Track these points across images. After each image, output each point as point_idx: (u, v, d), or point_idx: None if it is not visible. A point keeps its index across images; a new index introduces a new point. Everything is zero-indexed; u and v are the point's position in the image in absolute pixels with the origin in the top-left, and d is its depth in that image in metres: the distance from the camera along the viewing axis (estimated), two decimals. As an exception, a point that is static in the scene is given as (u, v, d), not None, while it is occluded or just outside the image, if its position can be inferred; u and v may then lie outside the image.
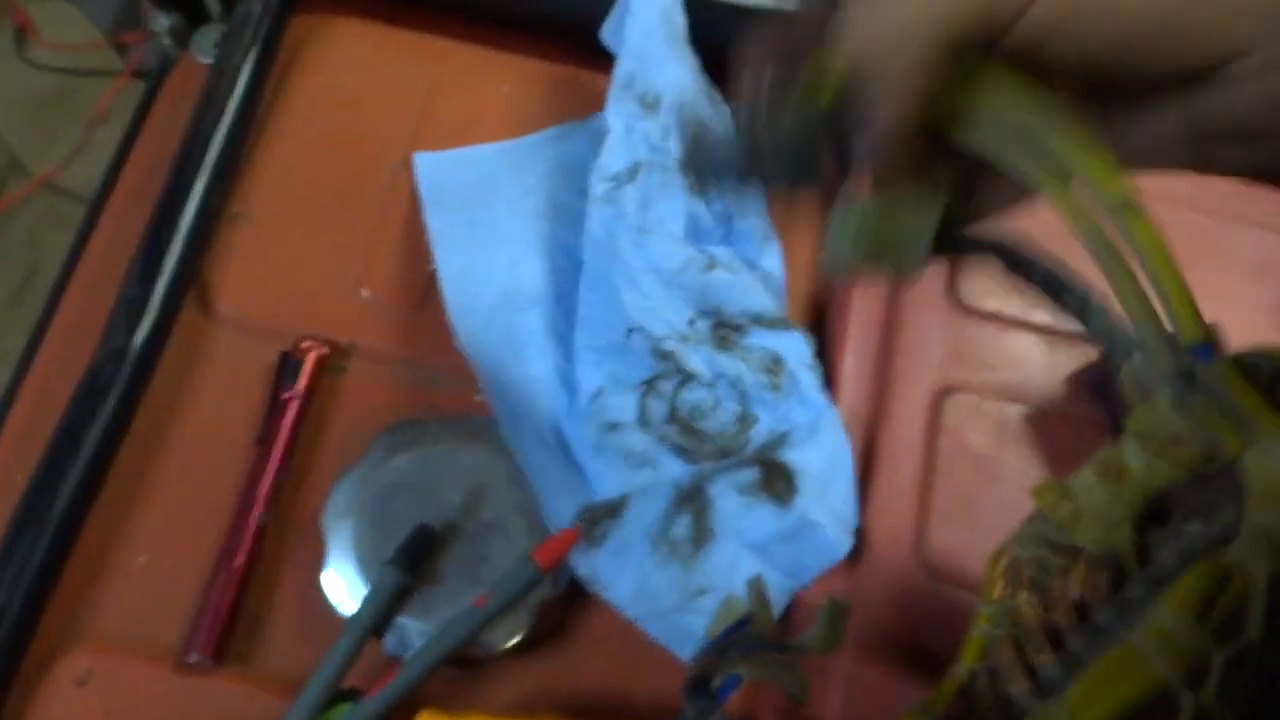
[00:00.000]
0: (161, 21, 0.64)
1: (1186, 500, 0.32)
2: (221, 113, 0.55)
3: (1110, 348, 0.36)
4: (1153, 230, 0.27)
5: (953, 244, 0.34)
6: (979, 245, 0.35)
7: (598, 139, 0.53)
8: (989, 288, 0.55)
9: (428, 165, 0.56)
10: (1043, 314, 0.55)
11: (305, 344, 0.52)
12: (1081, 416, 0.53)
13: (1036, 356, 0.54)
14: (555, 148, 0.57)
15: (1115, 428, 0.51)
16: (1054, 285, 0.35)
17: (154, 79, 0.64)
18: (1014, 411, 0.53)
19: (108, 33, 1.19)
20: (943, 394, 0.53)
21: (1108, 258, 0.28)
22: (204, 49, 0.63)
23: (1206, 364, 0.28)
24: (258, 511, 0.49)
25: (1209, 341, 0.27)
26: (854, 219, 0.33)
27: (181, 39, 0.65)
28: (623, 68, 0.53)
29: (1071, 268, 0.35)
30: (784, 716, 0.47)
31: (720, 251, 0.53)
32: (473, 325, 0.52)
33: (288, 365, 0.52)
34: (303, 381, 0.51)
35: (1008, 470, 0.52)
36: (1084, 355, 0.54)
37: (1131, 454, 0.31)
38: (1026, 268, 0.35)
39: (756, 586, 0.36)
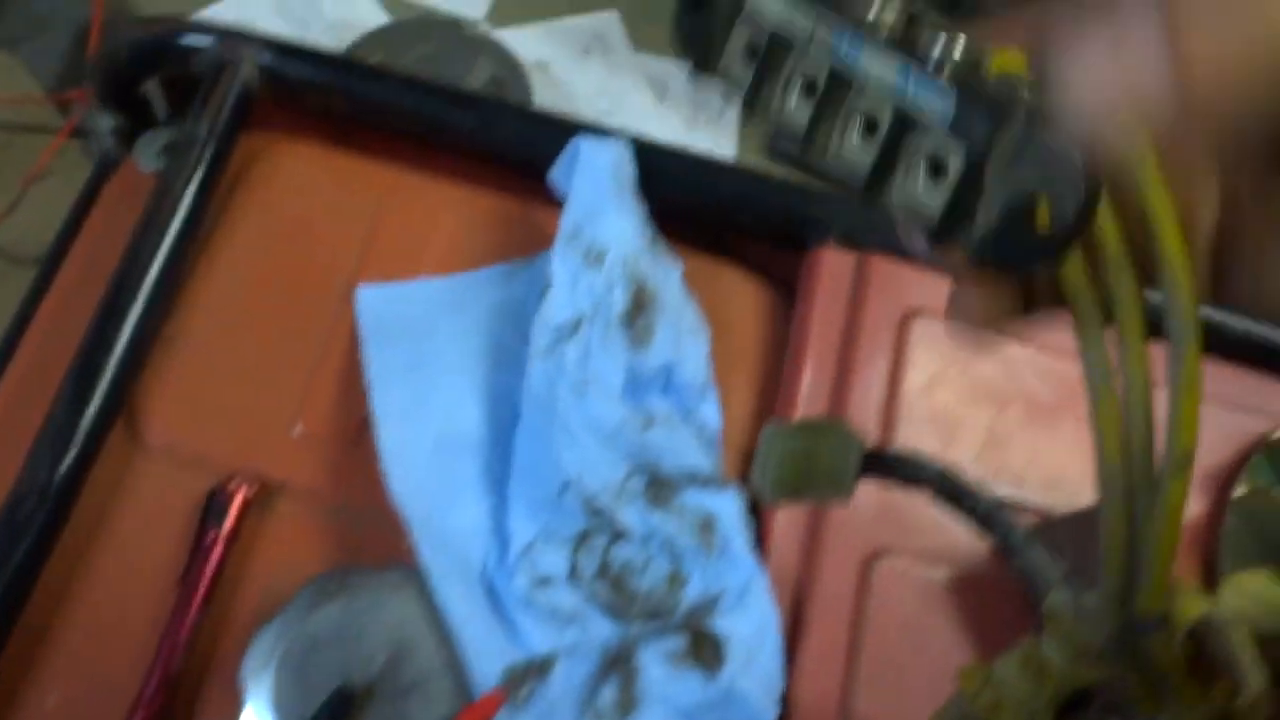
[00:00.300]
0: (105, 121, 0.63)
1: (1106, 690, 0.33)
2: (162, 236, 0.54)
3: (1031, 583, 0.37)
4: (1184, 498, 0.24)
5: (883, 470, 0.35)
6: (910, 473, 0.35)
7: (541, 282, 0.53)
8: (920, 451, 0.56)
9: (369, 299, 0.56)
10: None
11: (234, 483, 0.51)
12: (1007, 584, 0.54)
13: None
14: (499, 288, 0.57)
15: (1033, 605, 0.52)
16: (985, 519, 0.36)
17: (94, 180, 0.63)
18: (941, 576, 0.54)
19: (50, 87, 1.17)
20: (872, 557, 0.53)
21: (1117, 495, 0.25)
22: (148, 157, 0.62)
23: (1149, 633, 0.28)
24: (175, 657, 0.48)
25: (1162, 616, 0.27)
26: (779, 446, 0.33)
27: (125, 139, 0.64)
28: (569, 218, 0.54)
29: (998, 500, 0.36)
30: None
31: (658, 405, 0.53)
32: (407, 469, 0.52)
33: (214, 504, 0.51)
34: (229, 523, 0.51)
35: (935, 637, 0.52)
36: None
37: (1052, 651, 0.32)
38: (958, 498, 0.35)
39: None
